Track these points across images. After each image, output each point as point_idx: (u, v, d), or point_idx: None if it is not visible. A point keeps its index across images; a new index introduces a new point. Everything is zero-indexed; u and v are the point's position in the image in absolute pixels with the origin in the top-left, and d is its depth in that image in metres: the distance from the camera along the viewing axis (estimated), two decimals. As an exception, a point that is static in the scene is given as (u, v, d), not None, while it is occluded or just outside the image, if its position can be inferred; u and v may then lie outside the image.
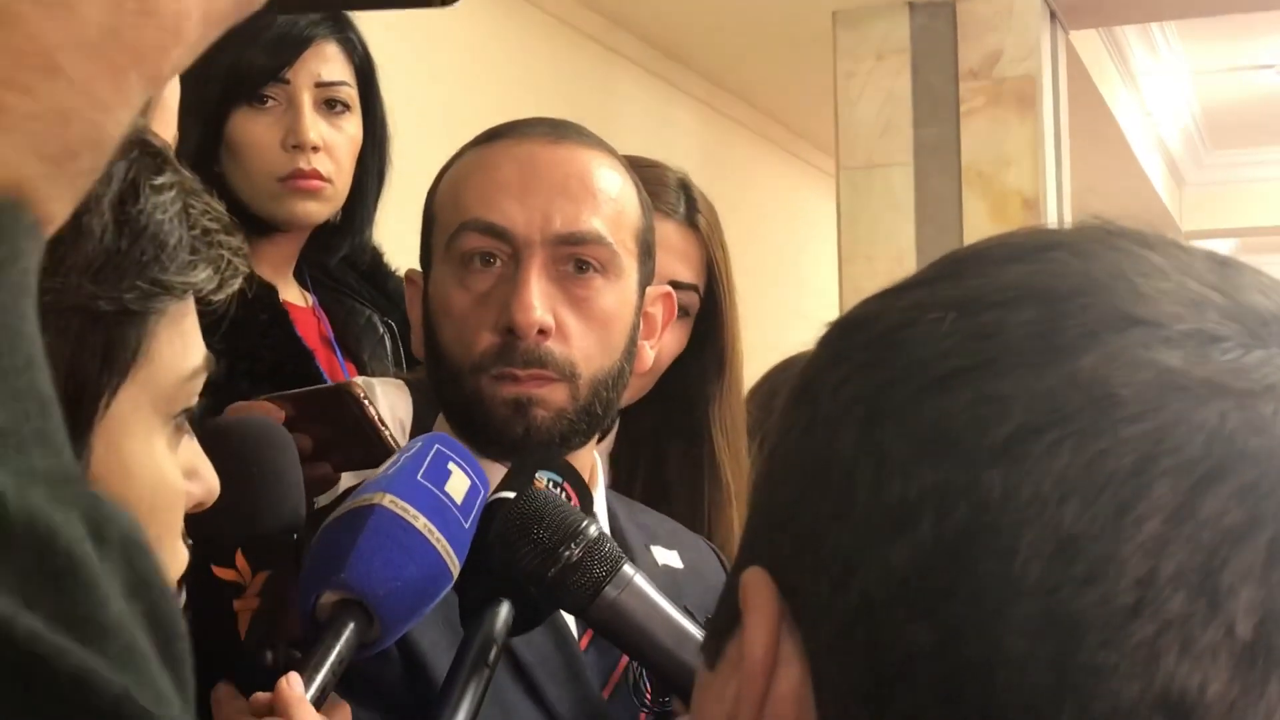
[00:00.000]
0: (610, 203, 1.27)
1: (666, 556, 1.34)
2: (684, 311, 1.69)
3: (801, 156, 6.65)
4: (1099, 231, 0.53)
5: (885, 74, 4.78)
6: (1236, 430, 0.46)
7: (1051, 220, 4.51)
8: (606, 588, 0.99)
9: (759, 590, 0.52)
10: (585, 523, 0.99)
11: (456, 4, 0.39)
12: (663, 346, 1.37)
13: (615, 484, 1.69)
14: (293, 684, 0.88)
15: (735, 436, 1.74)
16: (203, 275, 0.75)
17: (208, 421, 1.04)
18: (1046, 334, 0.48)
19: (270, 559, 0.95)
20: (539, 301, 1.21)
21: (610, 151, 1.32)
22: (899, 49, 4.77)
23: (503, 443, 1.23)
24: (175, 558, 0.79)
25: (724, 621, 0.55)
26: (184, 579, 0.91)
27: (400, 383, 1.70)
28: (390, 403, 2.04)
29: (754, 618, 0.52)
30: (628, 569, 1.00)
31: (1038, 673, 0.45)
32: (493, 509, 1.03)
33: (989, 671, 0.45)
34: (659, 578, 1.29)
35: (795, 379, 0.56)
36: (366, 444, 1.30)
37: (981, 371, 0.48)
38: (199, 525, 0.93)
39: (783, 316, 6.21)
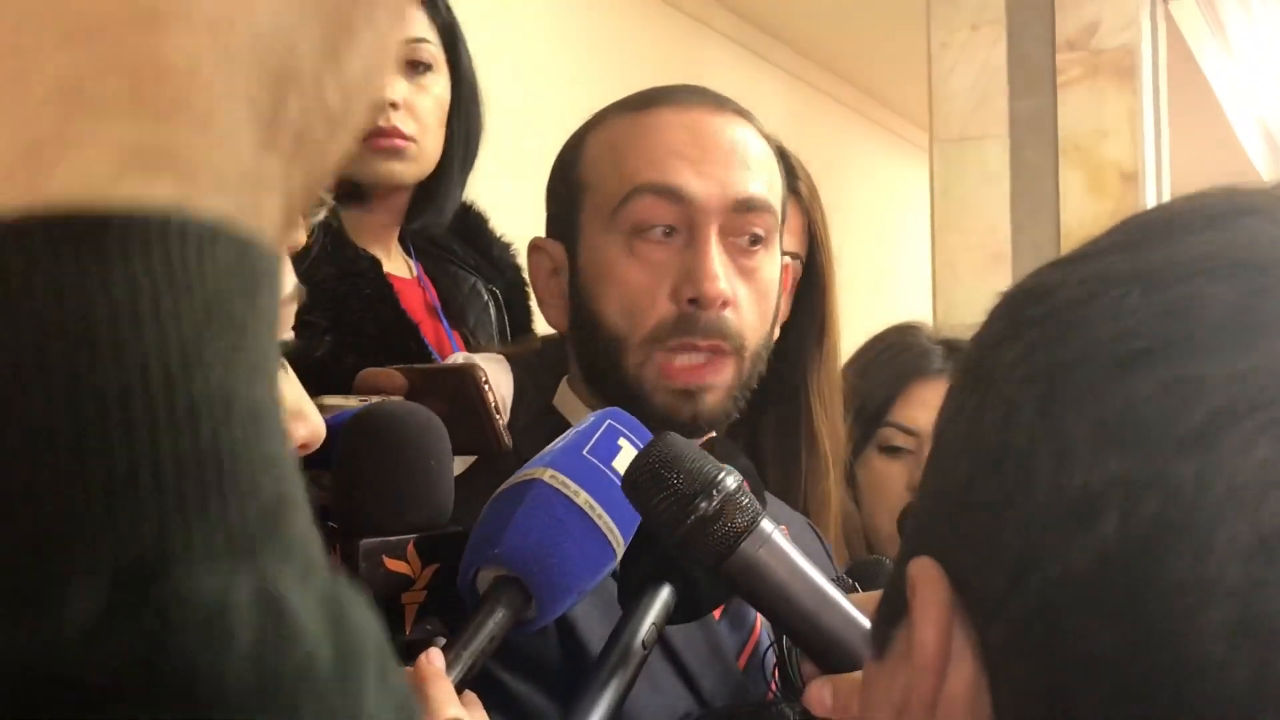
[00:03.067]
0: (770, 172, 1.26)
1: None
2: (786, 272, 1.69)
3: (893, 129, 6.58)
4: None
5: (980, 45, 4.71)
6: None
7: (1150, 196, 4.45)
8: (744, 542, 0.93)
9: (929, 582, 0.49)
10: (723, 473, 0.94)
11: None
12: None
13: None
14: (432, 659, 0.86)
15: (833, 405, 1.71)
16: None
17: (374, 406, 1.02)
18: (1243, 310, 0.44)
19: (440, 552, 0.93)
20: (722, 271, 1.18)
21: (755, 120, 1.30)
22: (994, 19, 4.71)
23: (667, 425, 1.20)
24: None
25: (892, 610, 0.52)
26: (360, 573, 0.90)
27: (500, 357, 1.69)
28: (494, 379, 2.03)
29: (924, 612, 0.49)
30: (766, 524, 0.95)
31: (1235, 681, 0.41)
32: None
33: (1180, 680, 0.42)
34: None
35: (965, 355, 0.52)
36: (480, 429, 1.28)
37: (1171, 352, 0.44)
38: (373, 516, 0.92)
39: (875, 290, 6.17)
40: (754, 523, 0.94)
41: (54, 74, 0.24)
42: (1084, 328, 0.46)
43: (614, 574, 0.99)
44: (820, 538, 1.46)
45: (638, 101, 1.28)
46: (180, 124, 0.25)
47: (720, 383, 1.22)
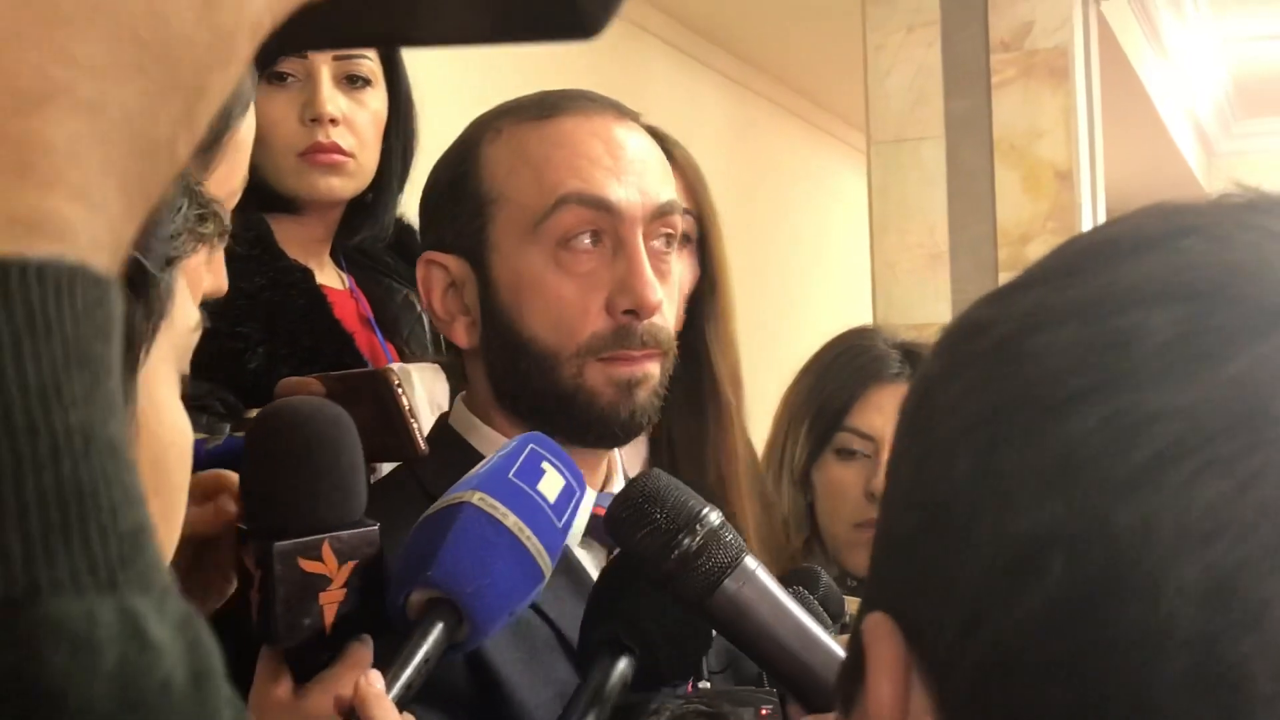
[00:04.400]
0: (670, 172, 1.27)
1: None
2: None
3: (831, 132, 6.62)
4: (1234, 209, 0.47)
5: (915, 46, 4.75)
6: None
7: (1085, 194, 4.49)
8: (727, 580, 0.92)
9: (882, 639, 0.48)
10: (706, 509, 0.94)
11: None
12: (677, 277, 1.38)
13: (652, 455, 1.69)
14: (372, 680, 0.87)
15: (732, 358, 1.73)
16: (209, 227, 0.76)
17: (278, 403, 1.02)
18: (1185, 339, 0.42)
19: (357, 549, 0.93)
20: (655, 280, 1.20)
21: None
22: (929, 21, 4.74)
23: (608, 427, 1.21)
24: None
25: (853, 666, 0.50)
26: (276, 575, 0.90)
27: (436, 366, 1.68)
28: (428, 387, 2.03)
29: (878, 669, 0.48)
30: (749, 560, 0.94)
31: None
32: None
33: None
34: None
35: (908, 395, 0.50)
36: (395, 433, 1.28)
37: (1110, 388, 0.42)
38: (284, 516, 0.92)
39: (815, 292, 6.20)
40: (737, 559, 0.93)
41: None
42: (1020, 367, 0.45)
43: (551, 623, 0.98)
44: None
45: (536, 109, 1.26)
46: (58, 195, 0.27)
47: (653, 374, 1.23)
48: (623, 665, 0.95)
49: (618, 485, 1.30)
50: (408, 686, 0.88)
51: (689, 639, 0.98)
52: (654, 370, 1.23)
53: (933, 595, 0.46)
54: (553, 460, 0.97)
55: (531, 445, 0.98)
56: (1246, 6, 6.49)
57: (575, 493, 0.98)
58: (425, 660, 0.89)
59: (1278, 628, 0.39)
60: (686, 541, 0.92)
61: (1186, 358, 0.42)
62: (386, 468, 1.39)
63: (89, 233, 0.28)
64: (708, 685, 1.14)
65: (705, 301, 1.73)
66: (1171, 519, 0.40)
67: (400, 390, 1.27)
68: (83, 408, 0.27)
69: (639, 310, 1.19)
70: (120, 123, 0.28)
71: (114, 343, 0.29)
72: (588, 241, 1.20)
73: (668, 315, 1.24)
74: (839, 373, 1.99)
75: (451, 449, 1.24)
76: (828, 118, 6.51)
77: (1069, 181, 4.51)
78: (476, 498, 0.92)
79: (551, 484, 0.95)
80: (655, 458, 1.68)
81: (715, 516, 0.93)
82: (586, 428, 1.22)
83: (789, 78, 5.95)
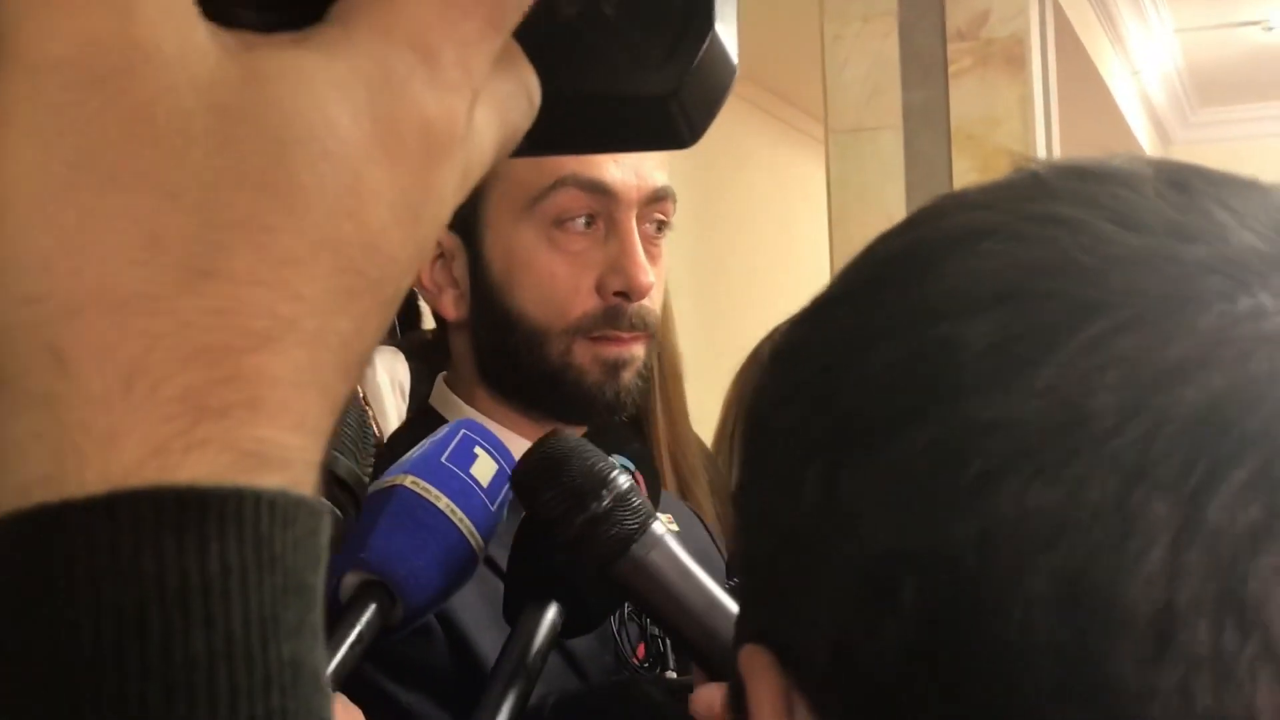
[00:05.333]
0: (664, 159, 1.28)
1: (664, 520, 1.34)
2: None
3: (790, 122, 6.64)
4: (1025, 198, 0.46)
5: (872, 36, 4.77)
6: (1230, 412, 0.39)
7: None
8: (635, 545, 0.91)
9: (757, 672, 0.47)
10: (615, 472, 0.93)
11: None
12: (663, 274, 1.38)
13: None
14: None
15: (669, 345, 1.72)
16: None
17: None
18: (999, 347, 0.41)
19: None
20: (647, 262, 1.21)
21: None
22: (886, 11, 4.76)
23: (593, 405, 1.22)
24: None
25: (737, 698, 0.49)
26: None
27: (395, 349, 1.69)
28: (389, 369, 2.03)
29: (758, 705, 0.47)
30: (657, 526, 0.92)
31: None
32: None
33: None
34: None
35: (745, 422, 0.50)
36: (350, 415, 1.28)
37: (936, 404, 0.42)
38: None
39: (774, 283, 6.22)
40: (645, 525, 0.92)
41: (180, 388, 0.27)
42: (847, 391, 0.44)
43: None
44: (709, 530, 1.47)
45: None
46: (284, 426, 0.28)
47: (638, 357, 1.24)
48: (551, 613, 0.95)
49: None
50: (340, 668, 0.88)
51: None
52: (640, 353, 1.24)
53: (798, 624, 0.46)
54: (485, 445, 0.98)
55: (464, 430, 0.99)
56: (1202, -5, 6.54)
57: (508, 477, 0.98)
58: (358, 641, 0.89)
59: (1128, 631, 0.39)
60: (594, 505, 0.91)
61: (1002, 366, 0.41)
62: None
63: (305, 458, 0.29)
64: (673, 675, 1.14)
65: None
66: (1008, 532, 0.40)
67: None
68: (294, 639, 0.28)
69: (630, 292, 1.21)
70: (336, 349, 0.29)
71: (321, 571, 0.29)
72: (581, 223, 1.22)
73: (655, 299, 1.25)
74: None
75: (434, 429, 1.26)
76: (786, 108, 6.52)
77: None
78: (409, 481, 0.93)
79: (484, 468, 0.95)
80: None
81: (624, 480, 0.93)
82: (571, 405, 1.23)
83: (747, 68, 5.95)
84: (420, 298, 1.67)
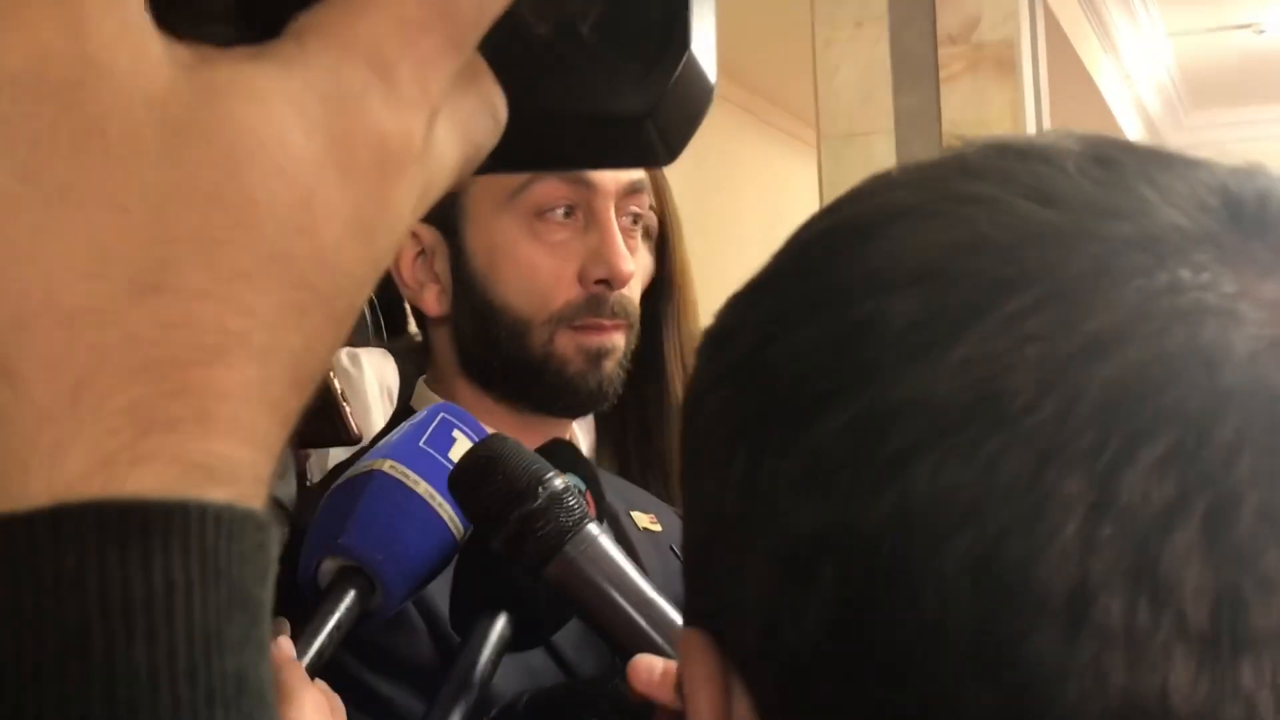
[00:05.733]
0: None
1: (645, 520, 1.35)
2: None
3: (782, 128, 6.65)
4: (946, 178, 0.46)
5: (864, 42, 4.77)
6: (1145, 387, 0.39)
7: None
8: (567, 545, 0.91)
9: (694, 655, 0.48)
10: (550, 473, 0.93)
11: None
12: (641, 263, 1.39)
13: (601, 437, 1.70)
14: (282, 646, 0.87)
15: (692, 359, 1.73)
16: None
17: None
18: (916, 326, 0.41)
19: None
20: (625, 250, 1.22)
21: None
22: (877, 16, 4.77)
23: (577, 395, 1.24)
24: None
25: (680, 684, 0.49)
26: None
27: (384, 351, 1.69)
28: (377, 371, 2.03)
29: (694, 690, 0.47)
30: (592, 527, 0.92)
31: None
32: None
33: None
34: (643, 540, 1.31)
35: (683, 403, 0.50)
36: (330, 419, 1.28)
37: (854, 384, 0.42)
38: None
39: (767, 288, 6.21)
40: (579, 525, 0.92)
41: (127, 401, 0.27)
42: (768, 374, 0.45)
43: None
44: None
45: None
46: (233, 440, 0.29)
47: (619, 346, 1.26)
48: (501, 624, 0.95)
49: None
50: (319, 654, 0.89)
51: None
52: (620, 342, 1.25)
53: (729, 606, 0.46)
54: (463, 428, 0.98)
55: (442, 414, 0.99)
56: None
57: None
58: (337, 627, 0.90)
59: (1040, 606, 0.38)
60: (528, 503, 0.91)
61: (919, 345, 0.41)
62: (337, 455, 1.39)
63: (254, 472, 0.29)
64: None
65: (662, 302, 1.74)
66: (922, 511, 0.40)
67: (331, 375, 1.27)
68: (238, 653, 0.28)
69: (612, 280, 1.22)
70: (287, 365, 0.29)
71: (269, 584, 0.30)
72: (561, 214, 1.23)
73: (634, 289, 1.27)
74: None
75: None
76: (779, 113, 6.53)
77: (1018, 174, 4.54)
78: (387, 465, 0.93)
79: (462, 451, 0.95)
80: (603, 442, 1.69)
81: (559, 482, 0.93)
82: (555, 395, 1.24)
83: (739, 74, 5.97)
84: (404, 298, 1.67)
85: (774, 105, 6.45)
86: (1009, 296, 0.41)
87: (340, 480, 0.96)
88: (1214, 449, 0.38)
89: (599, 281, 1.23)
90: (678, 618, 0.93)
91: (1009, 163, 0.45)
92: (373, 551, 0.91)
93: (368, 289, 0.32)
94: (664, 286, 1.73)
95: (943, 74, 4.65)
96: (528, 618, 0.96)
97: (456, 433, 0.97)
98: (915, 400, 0.40)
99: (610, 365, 1.24)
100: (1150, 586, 0.38)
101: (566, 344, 1.23)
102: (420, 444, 0.95)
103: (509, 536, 0.92)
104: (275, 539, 0.30)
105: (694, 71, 0.36)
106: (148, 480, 0.27)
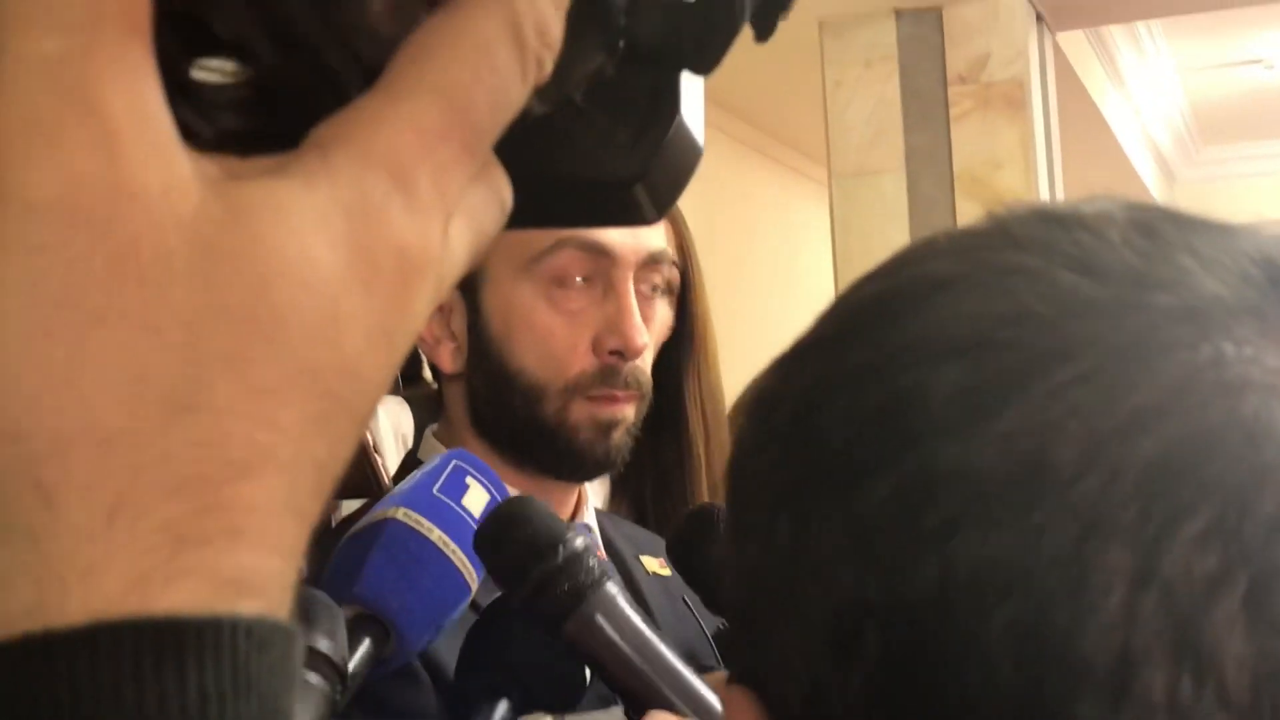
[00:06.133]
0: (663, 223, 1.30)
1: (654, 564, 1.35)
2: (668, 287, 1.72)
3: (793, 166, 6.66)
4: (988, 249, 0.46)
5: (874, 81, 4.79)
6: (1187, 461, 0.40)
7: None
8: (584, 604, 0.93)
9: (738, 712, 0.48)
10: (570, 532, 0.95)
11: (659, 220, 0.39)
12: (657, 325, 1.39)
13: (616, 487, 1.70)
14: None
15: (714, 413, 1.73)
16: None
17: None
18: (963, 395, 0.42)
19: None
20: (641, 322, 1.23)
21: None
22: (886, 56, 4.78)
23: (584, 462, 1.24)
24: None
25: None
26: None
27: (400, 399, 1.69)
28: (394, 420, 2.04)
29: None
30: (610, 587, 0.94)
31: None
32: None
33: None
34: (651, 584, 1.32)
35: (726, 466, 0.51)
36: (362, 469, 1.28)
37: (899, 452, 0.42)
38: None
39: (778, 327, 6.22)
40: (599, 583, 0.93)
41: (161, 520, 0.28)
42: (813, 441, 0.45)
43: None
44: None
45: None
46: (262, 552, 0.29)
47: (629, 418, 1.26)
48: (501, 710, 0.96)
49: (587, 516, 1.33)
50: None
51: (565, 672, 0.98)
52: (630, 413, 1.26)
53: (774, 667, 0.46)
54: (476, 475, 0.98)
55: (455, 461, 0.99)
56: (1202, 35, 6.57)
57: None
58: (354, 677, 0.90)
59: (1084, 678, 0.39)
60: (547, 563, 0.93)
61: (963, 416, 0.42)
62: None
63: (281, 581, 0.30)
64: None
65: (683, 354, 1.74)
66: (965, 581, 0.40)
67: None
68: None
69: (625, 351, 1.23)
70: (311, 473, 0.30)
71: (294, 691, 0.30)
72: (580, 281, 1.24)
73: (646, 359, 1.27)
74: None
75: None
76: (790, 152, 6.55)
77: (1029, 211, 4.54)
78: (400, 513, 0.93)
79: (476, 498, 0.96)
80: (620, 494, 1.70)
81: (579, 541, 0.95)
82: (562, 462, 1.25)
83: (749, 113, 5.99)
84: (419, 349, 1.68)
85: (784, 144, 6.47)
86: (1052, 369, 0.41)
87: (354, 529, 0.96)
88: (1256, 523, 0.39)
89: (613, 352, 1.23)
90: (692, 676, 0.94)
91: (1051, 232, 0.46)
92: (387, 600, 0.91)
93: (384, 391, 0.33)
94: (685, 339, 1.73)
95: (953, 112, 4.66)
96: (526, 700, 0.97)
97: (470, 479, 0.98)
98: (959, 471, 0.41)
99: (619, 435, 1.25)
100: (1192, 659, 0.38)
101: (580, 413, 1.23)
102: (434, 491, 0.96)
103: (529, 593, 0.93)
104: (300, 647, 0.31)
105: (683, 135, 0.37)
106: (182, 596, 0.28)
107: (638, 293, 1.26)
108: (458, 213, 0.32)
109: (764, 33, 0.37)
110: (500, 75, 0.32)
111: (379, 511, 0.95)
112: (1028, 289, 0.43)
